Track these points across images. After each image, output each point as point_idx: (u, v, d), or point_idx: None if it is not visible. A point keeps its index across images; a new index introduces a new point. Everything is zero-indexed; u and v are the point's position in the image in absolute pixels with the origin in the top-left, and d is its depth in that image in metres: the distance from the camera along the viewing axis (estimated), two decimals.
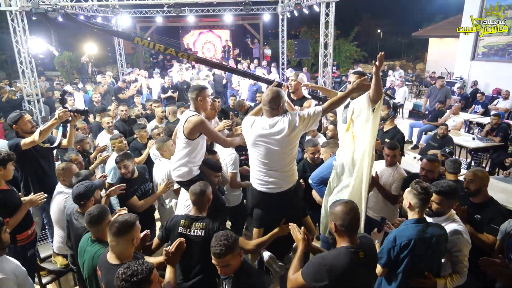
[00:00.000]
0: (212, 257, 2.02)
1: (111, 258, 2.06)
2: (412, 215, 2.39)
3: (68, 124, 3.64)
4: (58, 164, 3.53)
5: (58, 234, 3.41)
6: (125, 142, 4.32)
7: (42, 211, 3.82)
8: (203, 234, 2.40)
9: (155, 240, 2.61)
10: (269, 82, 5.91)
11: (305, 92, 4.54)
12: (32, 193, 3.09)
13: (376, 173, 3.67)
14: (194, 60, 4.79)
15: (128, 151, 3.99)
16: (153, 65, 17.78)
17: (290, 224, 2.38)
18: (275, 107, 2.61)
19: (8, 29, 8.36)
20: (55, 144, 3.74)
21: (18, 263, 2.37)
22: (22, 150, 3.39)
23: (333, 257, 1.94)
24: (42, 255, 3.81)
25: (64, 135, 3.73)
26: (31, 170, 3.59)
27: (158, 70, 12.46)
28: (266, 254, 2.61)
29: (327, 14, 8.84)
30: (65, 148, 4.06)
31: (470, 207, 2.92)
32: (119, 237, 2.01)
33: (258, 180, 2.74)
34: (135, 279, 1.69)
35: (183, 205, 3.13)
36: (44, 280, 3.49)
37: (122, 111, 5.69)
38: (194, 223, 2.45)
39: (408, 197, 2.40)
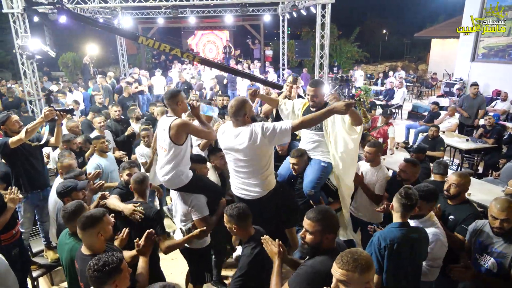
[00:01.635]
0: None
1: (83, 249, 2.18)
2: (396, 219, 2.46)
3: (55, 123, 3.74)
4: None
5: (54, 227, 3.54)
6: (107, 144, 4.35)
7: (35, 207, 3.94)
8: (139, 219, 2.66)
9: None
10: (275, 85, 5.95)
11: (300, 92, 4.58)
12: (10, 189, 3.09)
13: (362, 172, 3.75)
14: (198, 61, 4.76)
15: (135, 161, 4.05)
16: (155, 65, 17.96)
17: (262, 237, 2.24)
18: (240, 118, 2.66)
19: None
20: (42, 142, 3.85)
21: (1, 255, 2.47)
22: (11, 148, 3.51)
23: (321, 264, 1.89)
24: (34, 250, 3.94)
25: (52, 133, 3.85)
26: (21, 168, 3.70)
27: (160, 70, 12.59)
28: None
29: (323, 16, 8.90)
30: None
31: (446, 208, 2.96)
32: (83, 230, 2.12)
33: (232, 184, 2.92)
34: (107, 268, 1.78)
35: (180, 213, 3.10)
36: (35, 274, 3.61)
37: (115, 111, 5.81)
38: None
39: (393, 200, 2.48)
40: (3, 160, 3.86)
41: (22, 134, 3.45)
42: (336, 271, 1.59)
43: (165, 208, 3.50)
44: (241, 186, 2.82)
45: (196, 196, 2.94)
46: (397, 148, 6.40)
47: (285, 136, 2.63)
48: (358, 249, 1.68)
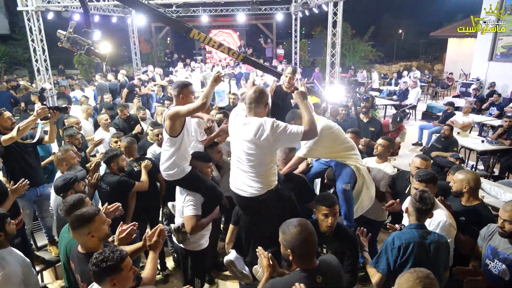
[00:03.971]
0: None
1: (79, 247, 2.13)
2: (411, 221, 2.38)
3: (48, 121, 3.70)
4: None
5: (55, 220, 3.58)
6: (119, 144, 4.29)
7: (33, 203, 3.95)
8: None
9: None
10: (277, 74, 5.83)
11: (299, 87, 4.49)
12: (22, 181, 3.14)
13: (368, 168, 3.66)
14: (242, 60, 4.70)
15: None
16: (168, 64, 18.10)
17: (257, 249, 2.10)
18: (256, 107, 2.51)
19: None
20: (35, 140, 3.83)
21: (22, 254, 2.45)
22: (4, 146, 3.51)
23: (285, 283, 1.76)
24: (39, 244, 3.98)
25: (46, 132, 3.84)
26: (16, 165, 3.69)
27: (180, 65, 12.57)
28: (229, 256, 2.64)
29: (335, 13, 8.76)
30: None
31: (458, 209, 2.85)
32: (73, 230, 2.06)
33: (231, 176, 2.72)
34: (105, 265, 1.73)
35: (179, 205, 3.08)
36: (39, 268, 3.62)
37: (121, 111, 5.82)
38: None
39: (408, 204, 2.41)
40: None
41: (14, 133, 3.44)
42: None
43: (169, 204, 3.44)
44: (239, 180, 2.64)
45: (192, 194, 2.87)
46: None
47: (294, 140, 2.48)
48: None
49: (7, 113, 3.70)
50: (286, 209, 2.72)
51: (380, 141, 3.70)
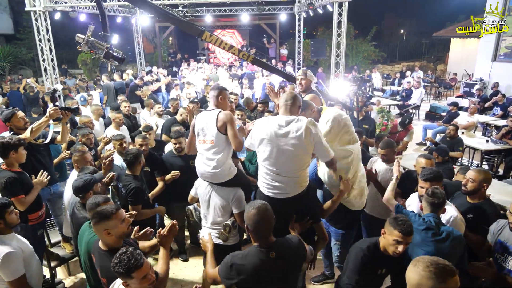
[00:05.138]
0: None
1: (100, 243, 2.20)
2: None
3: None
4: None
5: (67, 219, 3.66)
6: (125, 144, 4.32)
7: (47, 201, 4.00)
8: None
9: None
10: (291, 78, 5.84)
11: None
12: (41, 173, 3.35)
13: (375, 170, 3.71)
14: (251, 61, 4.74)
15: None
16: (172, 64, 18.18)
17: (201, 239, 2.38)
18: (295, 106, 2.55)
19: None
20: (47, 141, 3.89)
21: (26, 241, 2.55)
22: None
23: (241, 257, 2.04)
24: (53, 240, 4.04)
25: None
26: (29, 164, 3.70)
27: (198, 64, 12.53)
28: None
29: (340, 14, 8.82)
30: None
31: (465, 206, 2.91)
32: (93, 225, 2.14)
33: (264, 183, 2.61)
34: (121, 270, 1.80)
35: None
36: (53, 264, 3.70)
37: (125, 107, 5.89)
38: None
39: (423, 201, 2.53)
40: None
41: (27, 134, 3.52)
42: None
43: (191, 207, 3.34)
44: (274, 184, 2.54)
45: (238, 190, 2.91)
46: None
47: (323, 156, 2.58)
48: None
49: (20, 113, 3.75)
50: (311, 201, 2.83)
51: (381, 151, 3.66)
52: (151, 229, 2.61)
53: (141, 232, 2.55)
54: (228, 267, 2.06)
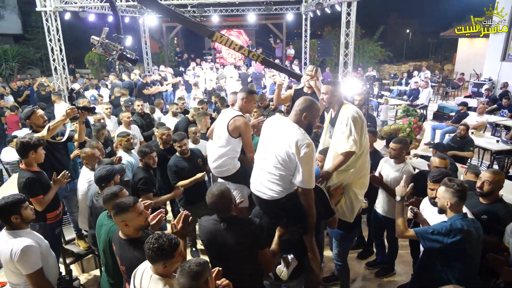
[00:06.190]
0: None
1: (120, 232, 2.26)
2: (452, 213, 2.39)
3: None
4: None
5: (82, 213, 3.76)
6: (132, 141, 4.38)
7: (63, 198, 4.06)
8: None
9: None
10: (297, 76, 5.78)
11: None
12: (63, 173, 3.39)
13: (380, 173, 3.71)
14: (261, 61, 4.75)
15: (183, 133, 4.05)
16: (178, 63, 18.26)
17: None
18: (300, 114, 2.40)
19: (43, 29, 8.89)
20: (64, 139, 3.96)
21: (41, 236, 2.60)
22: None
23: (206, 220, 2.44)
24: (67, 238, 4.11)
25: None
26: (46, 162, 3.72)
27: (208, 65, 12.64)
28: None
29: (348, 14, 8.82)
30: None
31: (478, 207, 2.88)
32: (112, 216, 2.23)
33: (252, 178, 2.64)
34: (160, 252, 1.86)
35: None
36: (68, 260, 3.77)
37: (138, 105, 5.93)
38: None
39: (447, 197, 2.37)
40: None
41: (44, 132, 3.60)
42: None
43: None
44: (258, 181, 2.54)
45: (240, 187, 3.02)
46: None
47: (297, 178, 2.35)
48: None
49: (40, 111, 3.83)
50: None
51: (392, 145, 3.60)
52: (163, 210, 2.65)
53: (156, 219, 2.57)
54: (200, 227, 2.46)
